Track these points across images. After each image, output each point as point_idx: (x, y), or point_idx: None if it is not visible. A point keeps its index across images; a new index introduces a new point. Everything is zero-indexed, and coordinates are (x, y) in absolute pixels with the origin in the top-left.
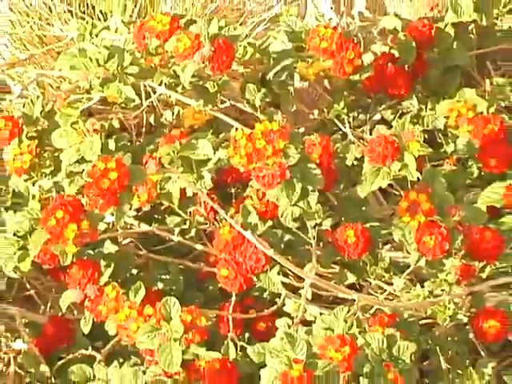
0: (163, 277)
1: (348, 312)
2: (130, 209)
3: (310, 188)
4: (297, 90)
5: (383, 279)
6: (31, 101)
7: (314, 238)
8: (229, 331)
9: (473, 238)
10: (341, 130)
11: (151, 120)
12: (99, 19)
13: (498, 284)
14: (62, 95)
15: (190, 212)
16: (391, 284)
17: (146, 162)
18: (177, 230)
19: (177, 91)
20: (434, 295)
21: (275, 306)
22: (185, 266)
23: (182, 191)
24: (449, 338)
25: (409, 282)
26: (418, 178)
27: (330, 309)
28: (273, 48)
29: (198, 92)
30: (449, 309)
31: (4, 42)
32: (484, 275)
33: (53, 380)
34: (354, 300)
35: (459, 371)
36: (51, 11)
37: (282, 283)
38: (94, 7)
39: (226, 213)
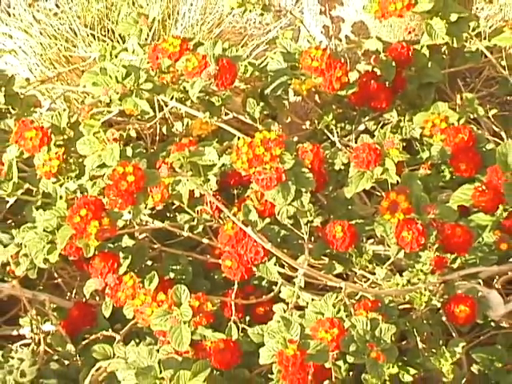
0: (174, 267)
1: (336, 298)
2: (146, 207)
3: (303, 189)
4: (291, 104)
5: (367, 269)
6: (59, 113)
7: (306, 233)
8: (232, 315)
9: (445, 233)
10: (330, 138)
11: (164, 130)
12: (118, 42)
13: (467, 274)
14: (85, 108)
15: (198, 210)
16: (374, 273)
17: (160, 167)
18: (186, 226)
19: (186, 105)
20: (411, 283)
21: (272, 293)
22: (193, 258)
23: (191, 192)
24: (424, 321)
25: (389, 271)
26: (397, 181)
27: (321, 295)
28: (270, 67)
29: (204, 105)
30: (424, 295)
31: (35, 62)
32: (455, 266)
33: (77, 357)
34: (342, 287)
35: (433, 350)
36: (76, 35)
37: (278, 273)
38: (113, 31)
39: (229, 211)
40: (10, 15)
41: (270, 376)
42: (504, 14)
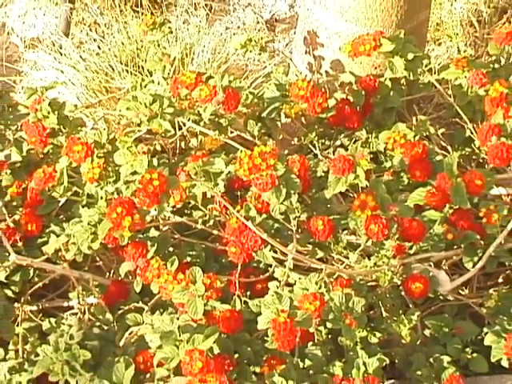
0: (190, 253)
1: (318, 277)
2: (168, 206)
3: (291, 191)
4: (282, 124)
5: (342, 254)
6: (100, 132)
7: (294, 226)
8: (236, 290)
9: (404, 226)
10: (313, 151)
11: (182, 145)
12: (146, 75)
13: (421, 258)
14: (121, 128)
15: (209, 208)
16: (348, 258)
17: (179, 174)
18: (200, 220)
19: (200, 125)
20: (377, 265)
21: (268, 273)
22: (205, 246)
23: (204, 194)
24: (387, 295)
25: (360, 256)
26: (366, 185)
27: (306, 275)
28: (266, 95)
29: (214, 125)
30: (387, 275)
31: (81, 91)
32: (412, 252)
33: (114, 324)
34: (322, 269)
35: (395, 318)
36: (113, 70)
37: (273, 257)
38: (143, 67)
39: (233, 209)
40: (61, 55)
41: (266, 338)
42: (450, 53)
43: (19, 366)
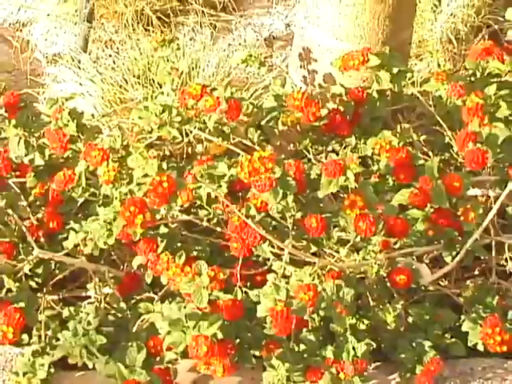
0: (196, 248)
1: (312, 270)
2: (176, 205)
3: (288, 192)
4: (280, 132)
5: (334, 249)
6: (115, 138)
7: (290, 223)
8: (237, 282)
9: (389, 224)
10: (307, 156)
11: (189, 150)
12: (157, 87)
13: (405, 252)
14: (133, 135)
15: (213, 207)
16: (338, 252)
17: (186, 176)
18: (205, 218)
19: (205, 132)
20: (365, 259)
21: (266, 266)
22: (210, 241)
23: (208, 194)
24: (374, 286)
25: (350, 251)
26: (355, 186)
27: (301, 268)
28: (265, 105)
29: (218, 132)
30: (374, 268)
31: (98, 102)
32: (396, 247)
33: (128, 312)
34: (316, 262)
35: (381, 306)
36: (127, 82)
37: (271, 252)
38: (153, 80)
39: (235, 208)
40: (80, 69)
41: (264, 325)
42: (430, 68)
43: (42, 349)
